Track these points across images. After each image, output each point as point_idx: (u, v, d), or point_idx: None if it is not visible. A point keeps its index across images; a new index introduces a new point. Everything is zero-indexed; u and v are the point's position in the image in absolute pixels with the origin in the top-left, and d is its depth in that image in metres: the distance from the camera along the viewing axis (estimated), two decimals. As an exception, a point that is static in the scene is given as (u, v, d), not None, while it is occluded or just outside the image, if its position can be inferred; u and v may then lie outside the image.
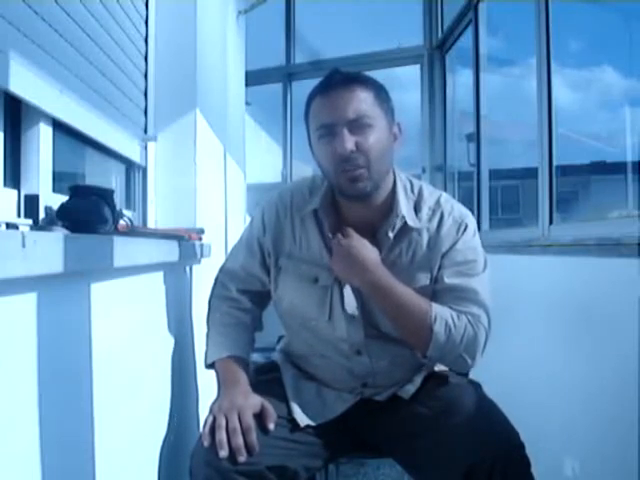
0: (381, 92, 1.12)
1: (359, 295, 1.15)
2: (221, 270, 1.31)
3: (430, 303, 1.08)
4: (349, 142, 1.04)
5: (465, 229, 1.14)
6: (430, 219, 1.15)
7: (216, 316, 1.24)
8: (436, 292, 1.12)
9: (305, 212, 1.18)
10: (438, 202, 1.17)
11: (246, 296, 1.26)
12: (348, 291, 1.15)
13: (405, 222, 1.12)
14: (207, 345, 1.21)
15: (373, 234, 1.14)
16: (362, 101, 1.07)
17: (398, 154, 1.18)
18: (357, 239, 1.10)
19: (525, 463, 1.00)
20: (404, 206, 1.13)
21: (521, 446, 1.00)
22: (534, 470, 1.00)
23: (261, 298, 1.28)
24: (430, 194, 1.18)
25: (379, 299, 1.09)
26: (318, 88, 1.11)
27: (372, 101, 1.08)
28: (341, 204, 1.17)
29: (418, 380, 1.18)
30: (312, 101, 1.11)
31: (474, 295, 1.10)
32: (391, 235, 1.12)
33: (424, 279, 1.13)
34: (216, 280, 1.30)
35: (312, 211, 1.17)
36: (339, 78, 1.09)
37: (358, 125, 1.06)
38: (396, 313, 1.09)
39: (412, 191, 1.17)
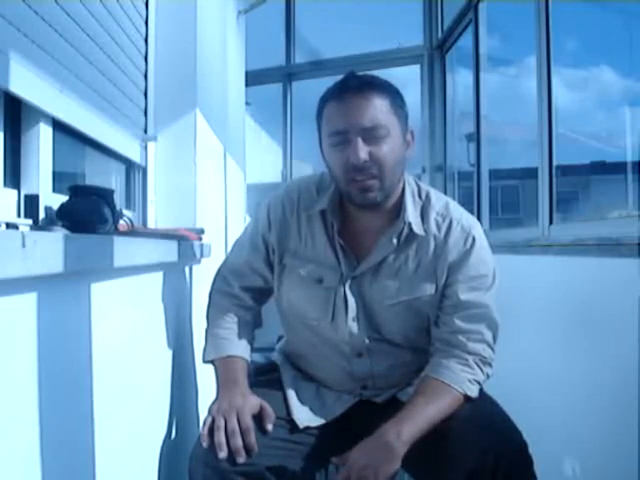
0: (397, 98, 1.09)
1: (362, 298, 1.15)
2: (224, 264, 1.29)
3: (445, 386, 1.05)
4: (363, 152, 1.02)
5: (474, 241, 1.12)
6: (438, 226, 1.13)
7: (217, 313, 1.22)
8: (447, 307, 1.12)
9: (312, 211, 1.16)
10: (447, 208, 1.15)
11: (248, 293, 1.24)
12: (352, 294, 1.14)
13: (411, 229, 1.11)
14: (206, 341, 1.20)
15: (378, 239, 1.13)
16: (378, 109, 1.04)
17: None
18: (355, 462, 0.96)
19: (528, 462, 0.99)
20: (411, 213, 1.12)
21: (524, 445, 1.00)
22: (535, 469, 1.00)
23: (262, 295, 1.27)
24: (437, 199, 1.16)
25: (424, 431, 1.01)
26: (332, 91, 1.08)
27: (388, 108, 1.05)
28: (348, 208, 1.16)
29: (417, 382, 1.18)
30: (326, 104, 1.08)
31: (485, 310, 1.10)
32: (395, 242, 1.12)
33: (429, 288, 1.12)
34: (218, 273, 1.28)
35: (319, 211, 1.16)
36: (355, 83, 1.06)
37: (372, 134, 1.03)
38: (441, 418, 1.03)
39: (419, 196, 1.16)
